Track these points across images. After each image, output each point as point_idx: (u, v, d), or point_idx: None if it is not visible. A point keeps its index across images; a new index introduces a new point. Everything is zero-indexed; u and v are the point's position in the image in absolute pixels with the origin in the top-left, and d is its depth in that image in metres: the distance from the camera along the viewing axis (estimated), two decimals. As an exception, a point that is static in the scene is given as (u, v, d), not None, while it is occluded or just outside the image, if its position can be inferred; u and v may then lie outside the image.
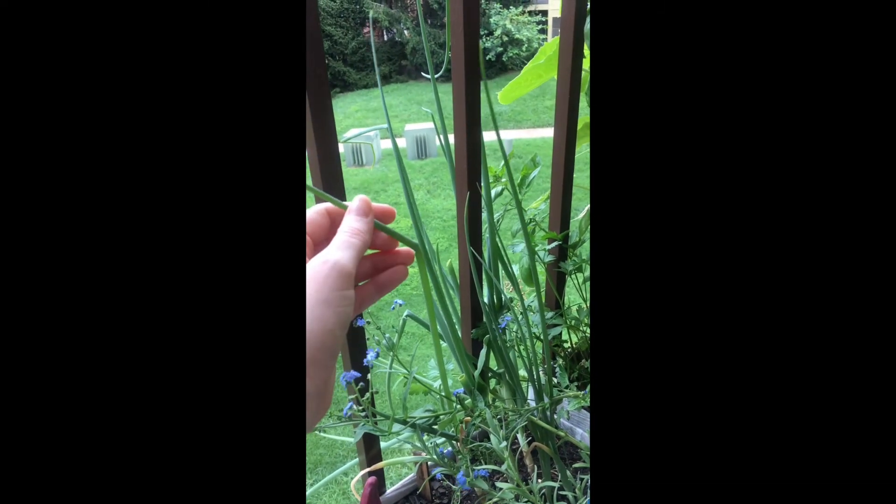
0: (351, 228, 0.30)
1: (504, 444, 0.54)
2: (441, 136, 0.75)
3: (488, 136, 0.82)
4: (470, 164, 0.63)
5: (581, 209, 0.99)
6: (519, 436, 0.76)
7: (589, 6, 0.69)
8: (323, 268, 0.27)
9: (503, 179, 0.92)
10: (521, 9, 8.56)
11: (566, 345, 0.89)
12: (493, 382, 0.81)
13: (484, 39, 8.21)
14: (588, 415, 0.76)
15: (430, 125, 6.03)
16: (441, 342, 0.80)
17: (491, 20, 8.26)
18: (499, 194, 0.90)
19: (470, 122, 0.61)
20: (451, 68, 0.61)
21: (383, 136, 5.74)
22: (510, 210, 0.94)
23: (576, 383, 0.80)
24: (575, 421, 0.79)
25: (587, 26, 0.67)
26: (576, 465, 0.60)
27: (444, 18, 8.85)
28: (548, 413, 0.67)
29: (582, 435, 0.79)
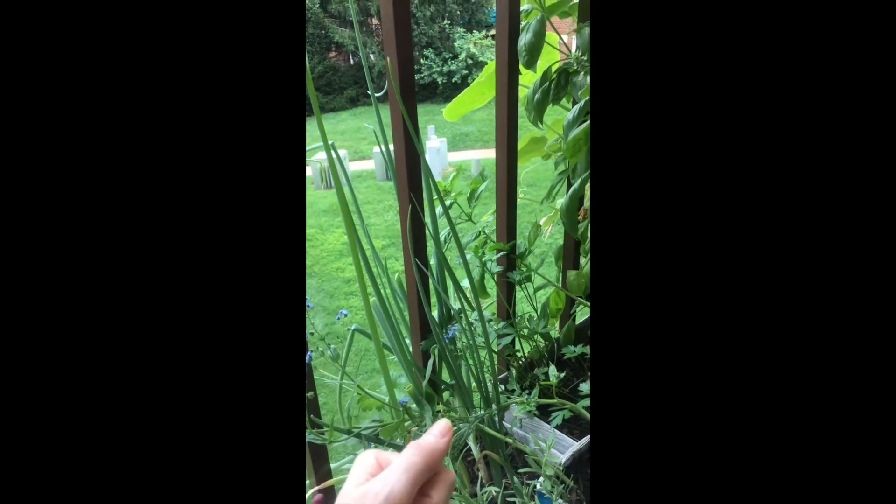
0: (419, 446, 0.29)
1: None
2: (384, 155, 0.77)
3: (461, 156, 0.84)
4: (410, 179, 0.65)
5: (536, 222, 1.01)
6: (472, 444, 0.77)
7: (523, 24, 0.72)
8: (370, 500, 0.26)
9: (453, 194, 0.94)
10: (484, 33, 8.77)
11: (519, 354, 0.91)
12: (447, 394, 0.81)
13: (449, 62, 8.38)
14: (540, 422, 0.77)
15: (399, 147, 6.07)
16: (392, 355, 0.80)
17: (455, 44, 8.44)
18: (448, 208, 0.92)
19: (408, 138, 0.63)
20: (388, 88, 0.63)
21: (351, 158, 5.76)
22: (460, 223, 0.95)
23: (527, 391, 0.81)
24: (528, 429, 0.80)
25: (520, 43, 0.70)
26: (521, 471, 0.61)
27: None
28: (496, 421, 0.68)
29: (535, 442, 0.80)
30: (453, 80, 8.33)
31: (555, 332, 1.00)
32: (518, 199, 1.17)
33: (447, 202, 0.93)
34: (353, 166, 5.71)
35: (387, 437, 0.59)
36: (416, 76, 8.77)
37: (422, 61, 8.46)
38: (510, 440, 0.65)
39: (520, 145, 1.07)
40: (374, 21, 8.51)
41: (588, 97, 0.66)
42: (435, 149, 5.63)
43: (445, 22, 8.68)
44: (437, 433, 0.31)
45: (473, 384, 0.77)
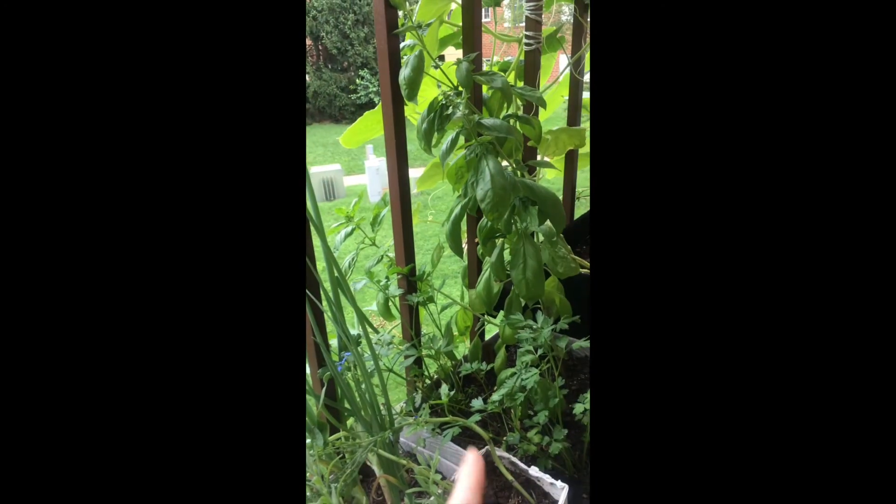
0: None
1: (331, 483, 0.56)
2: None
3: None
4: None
5: (440, 243, 1.04)
6: (376, 468, 0.78)
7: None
8: None
9: (355, 219, 0.96)
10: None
11: (426, 374, 0.93)
12: (351, 420, 0.82)
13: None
14: (440, 438, 0.79)
15: (337, 166, 6.03)
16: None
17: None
18: (349, 234, 0.94)
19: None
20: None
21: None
22: (363, 248, 0.97)
23: (429, 411, 0.83)
24: (432, 447, 0.82)
25: (400, 77, 0.73)
26: (409, 490, 0.63)
27: (343, 63, 9.04)
28: (391, 443, 0.70)
29: (440, 460, 0.82)
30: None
31: (465, 349, 1.03)
32: (429, 221, 1.20)
33: (350, 227, 0.95)
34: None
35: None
36: (353, 95, 8.83)
37: (357, 81, 8.47)
38: (404, 461, 0.67)
39: (426, 170, 1.10)
40: (308, 41, 8.48)
41: (457, 129, 0.69)
42: (374, 168, 5.64)
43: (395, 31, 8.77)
44: (470, 487, 0.29)
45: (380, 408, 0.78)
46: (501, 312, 0.91)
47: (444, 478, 0.73)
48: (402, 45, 0.75)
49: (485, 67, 1.04)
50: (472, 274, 1.00)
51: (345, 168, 6.58)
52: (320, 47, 8.57)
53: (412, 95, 0.72)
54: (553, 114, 1.33)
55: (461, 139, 0.74)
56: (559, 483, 0.67)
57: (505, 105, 0.84)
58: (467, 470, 0.30)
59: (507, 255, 0.82)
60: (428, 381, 0.92)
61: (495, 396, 0.71)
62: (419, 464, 0.68)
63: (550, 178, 1.37)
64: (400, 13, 0.72)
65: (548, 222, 0.75)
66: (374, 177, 5.63)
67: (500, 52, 1.18)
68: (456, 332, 0.99)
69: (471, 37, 0.82)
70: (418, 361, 0.91)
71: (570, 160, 1.17)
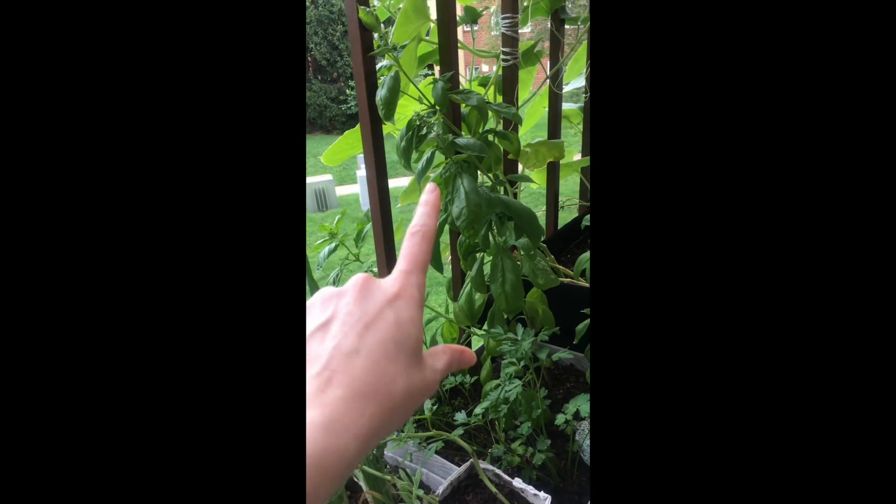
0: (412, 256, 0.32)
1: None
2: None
3: (392, 183, 0.87)
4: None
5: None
6: (363, 484, 0.78)
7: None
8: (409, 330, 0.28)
9: (339, 235, 0.97)
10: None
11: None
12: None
13: (376, 91, 8.49)
14: (424, 452, 0.80)
15: (329, 177, 6.03)
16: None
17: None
18: (332, 250, 0.95)
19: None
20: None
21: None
22: (349, 264, 0.98)
23: (413, 425, 0.84)
24: (417, 461, 0.82)
25: (377, 98, 0.74)
26: (394, 506, 0.64)
27: (333, 74, 9.08)
28: (375, 458, 0.70)
29: (426, 474, 0.82)
30: (381, 109, 8.44)
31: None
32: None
33: (333, 244, 0.96)
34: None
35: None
36: (344, 106, 8.88)
37: (347, 91, 8.51)
38: (388, 477, 0.68)
39: (410, 183, 1.11)
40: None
41: (433, 149, 0.71)
42: (365, 177, 5.66)
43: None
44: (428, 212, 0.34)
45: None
46: (487, 323, 0.92)
47: (428, 492, 0.73)
48: (379, 65, 0.77)
49: (465, 82, 1.05)
50: (456, 286, 1.01)
51: (336, 178, 6.59)
52: (309, 59, 8.61)
53: (389, 115, 0.74)
54: (541, 119, 1.35)
55: (439, 157, 0.75)
56: (542, 494, 0.68)
57: (483, 121, 0.85)
58: (426, 197, 0.35)
59: (487, 269, 0.83)
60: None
61: (478, 409, 0.72)
62: (403, 478, 0.68)
63: (535, 187, 1.38)
64: (375, 35, 0.73)
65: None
66: (364, 186, 5.66)
67: (489, 62, 1.19)
68: (442, 345, 1.00)
69: (447, 55, 0.83)
70: (404, 375, 0.91)
71: (552, 171, 1.19)
